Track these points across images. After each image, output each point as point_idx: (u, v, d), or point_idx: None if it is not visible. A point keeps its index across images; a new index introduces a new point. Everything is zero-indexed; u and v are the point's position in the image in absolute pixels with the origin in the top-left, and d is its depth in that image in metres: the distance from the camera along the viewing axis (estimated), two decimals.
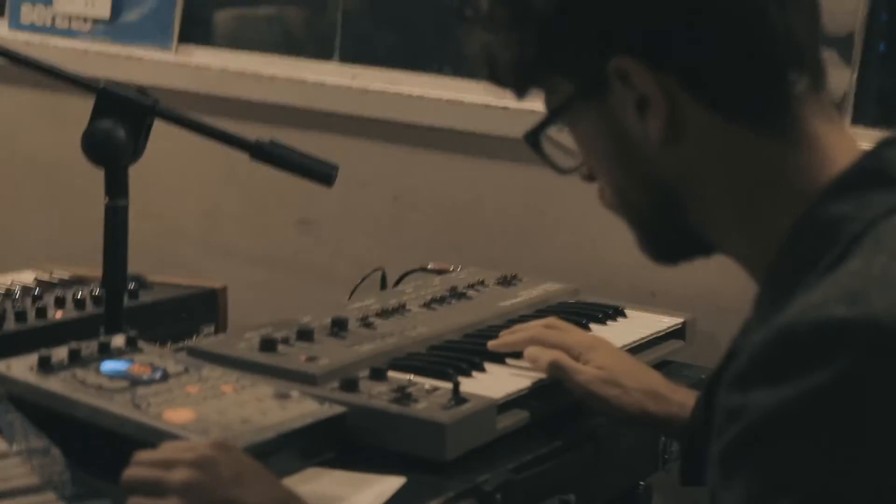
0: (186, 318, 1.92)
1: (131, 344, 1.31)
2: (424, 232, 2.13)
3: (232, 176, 2.29)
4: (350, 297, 1.76)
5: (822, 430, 0.77)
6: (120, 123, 1.48)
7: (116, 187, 1.51)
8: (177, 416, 1.14)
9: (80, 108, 2.44)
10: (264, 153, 1.52)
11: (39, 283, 1.88)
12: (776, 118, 0.94)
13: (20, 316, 1.65)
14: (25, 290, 1.79)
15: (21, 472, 0.97)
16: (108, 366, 1.24)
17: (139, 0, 2.43)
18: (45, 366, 1.21)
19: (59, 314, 1.71)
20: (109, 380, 1.21)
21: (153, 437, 1.13)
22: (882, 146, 0.92)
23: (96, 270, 1.96)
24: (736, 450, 0.81)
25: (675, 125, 0.94)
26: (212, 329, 1.94)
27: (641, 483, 1.55)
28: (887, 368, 0.76)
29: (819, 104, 0.95)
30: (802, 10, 0.95)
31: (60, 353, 1.24)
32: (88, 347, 1.27)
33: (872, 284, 0.78)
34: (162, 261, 2.16)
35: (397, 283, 1.89)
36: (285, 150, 1.52)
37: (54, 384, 1.18)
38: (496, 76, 1.02)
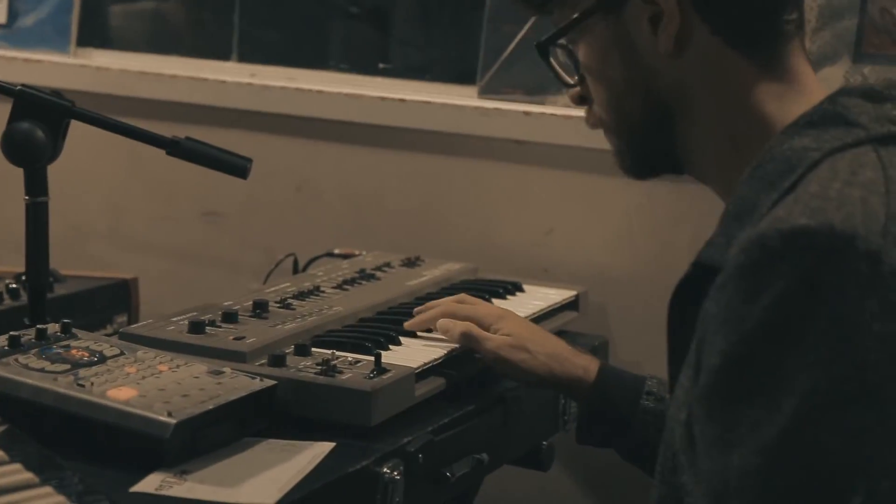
0: (100, 308, 1.96)
1: (66, 330, 1.35)
2: (327, 220, 2.19)
3: (136, 171, 2.32)
4: (265, 282, 1.81)
5: (801, 326, 0.87)
6: (38, 125, 1.51)
7: (36, 186, 1.55)
8: (120, 393, 1.19)
9: None
10: (181, 149, 1.57)
11: None
12: (767, 49, 1.07)
13: None
14: None
15: None
16: (48, 351, 1.28)
17: (35, 5, 2.43)
18: None
19: None
20: (51, 363, 1.24)
21: (100, 413, 1.17)
22: (838, 94, 1.04)
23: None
24: (732, 365, 0.90)
25: (681, 40, 1.06)
26: (125, 319, 1.98)
27: (544, 443, 1.65)
28: (841, 266, 0.87)
29: (799, 45, 1.09)
30: None
31: (1, 341, 1.28)
32: (27, 334, 1.31)
33: (829, 203, 0.90)
34: (71, 255, 2.17)
35: (305, 267, 1.96)
36: (201, 145, 1.57)
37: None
38: None
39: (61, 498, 0.92)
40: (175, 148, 1.57)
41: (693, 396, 0.94)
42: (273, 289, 1.65)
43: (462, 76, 2.16)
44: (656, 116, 1.10)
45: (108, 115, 1.55)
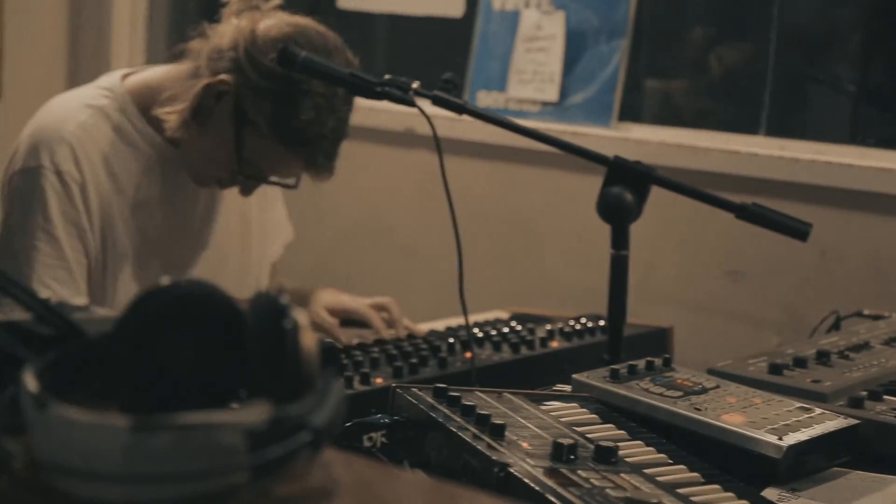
0: (641, 351, 2.14)
1: (667, 364, 1.52)
2: (847, 283, 2.25)
3: (666, 231, 2.50)
4: (811, 336, 1.92)
5: None
6: (627, 189, 1.71)
7: (621, 241, 1.74)
8: (731, 419, 1.34)
9: (528, 175, 2.72)
10: (749, 213, 1.72)
11: (519, 320, 2.15)
12: None
13: (529, 344, 1.92)
14: (520, 323, 2.07)
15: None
16: (660, 379, 1.46)
17: (584, 85, 2.69)
18: (615, 377, 1.44)
19: (555, 343, 1.97)
20: (666, 389, 1.42)
21: (715, 433, 1.32)
22: None
23: (545, 310, 2.22)
24: None
25: None
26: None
27: None
28: None
29: None
30: None
31: (622, 369, 1.47)
32: (638, 364, 1.49)
33: None
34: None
35: (832, 326, 2.03)
36: (766, 210, 1.71)
37: (627, 390, 1.41)
38: None
39: (729, 493, 1.08)
40: (743, 212, 1.72)
41: None
42: (825, 341, 1.75)
43: None
44: None
45: None
